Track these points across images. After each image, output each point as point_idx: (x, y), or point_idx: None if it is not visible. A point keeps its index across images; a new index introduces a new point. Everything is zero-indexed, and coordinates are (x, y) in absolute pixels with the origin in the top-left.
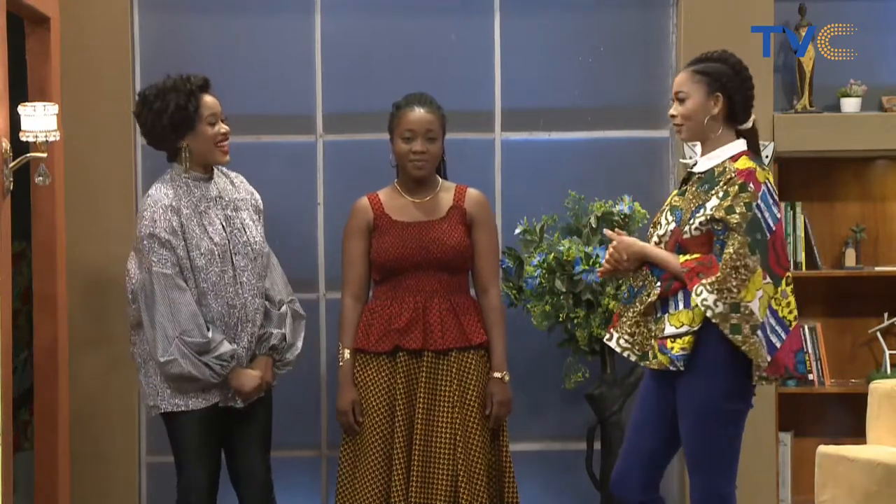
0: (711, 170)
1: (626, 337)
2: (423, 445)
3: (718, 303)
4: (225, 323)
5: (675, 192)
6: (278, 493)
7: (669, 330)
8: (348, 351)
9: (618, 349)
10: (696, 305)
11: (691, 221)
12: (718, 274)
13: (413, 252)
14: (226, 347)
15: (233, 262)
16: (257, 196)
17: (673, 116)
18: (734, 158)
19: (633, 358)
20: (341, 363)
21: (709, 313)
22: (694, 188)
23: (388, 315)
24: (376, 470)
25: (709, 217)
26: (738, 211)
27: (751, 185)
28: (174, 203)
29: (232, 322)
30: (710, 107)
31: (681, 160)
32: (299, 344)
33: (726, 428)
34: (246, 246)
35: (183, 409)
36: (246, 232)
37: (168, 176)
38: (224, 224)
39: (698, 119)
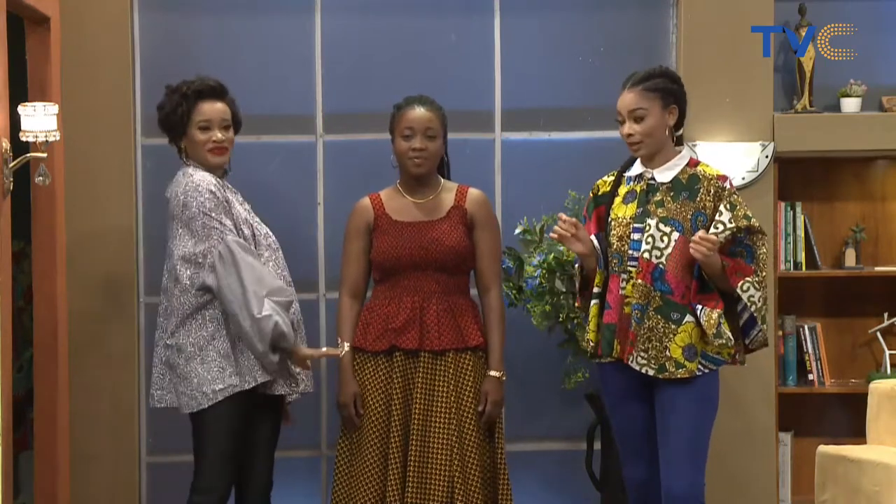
0: (677, 178)
1: (642, 353)
2: (419, 446)
3: (761, 298)
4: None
5: (632, 204)
6: (278, 494)
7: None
8: (347, 344)
9: (637, 367)
10: (740, 298)
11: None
12: (761, 273)
13: (412, 252)
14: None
15: (260, 249)
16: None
17: (630, 135)
18: (692, 164)
19: (650, 372)
20: (341, 355)
21: (753, 308)
22: (669, 197)
23: (385, 314)
24: (372, 469)
25: (734, 229)
26: (750, 214)
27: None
28: (216, 186)
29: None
30: (667, 120)
31: (627, 174)
32: None
33: (713, 418)
34: (267, 237)
35: (237, 388)
36: (264, 225)
37: (190, 168)
38: (247, 216)
39: (658, 135)
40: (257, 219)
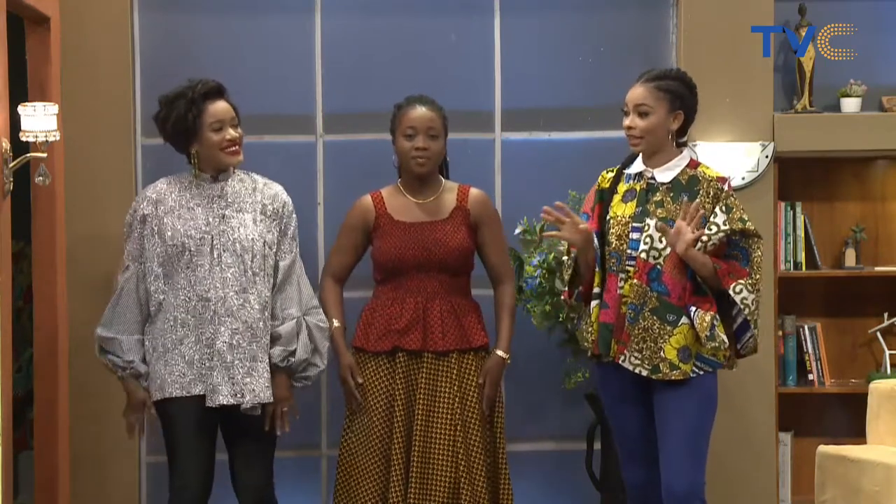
0: (677, 179)
1: (636, 354)
2: (422, 447)
3: (754, 301)
4: (196, 315)
5: (632, 203)
6: (278, 494)
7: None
8: (336, 321)
9: (630, 367)
10: (734, 301)
11: (705, 238)
12: (755, 276)
13: (415, 253)
14: (119, 354)
15: (217, 257)
16: (280, 203)
17: (630, 128)
18: (692, 165)
19: (644, 373)
20: (330, 332)
21: (746, 311)
22: (668, 197)
23: (388, 315)
24: (374, 470)
25: (728, 231)
26: (745, 217)
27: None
28: (156, 196)
29: (207, 315)
30: (671, 123)
31: (627, 171)
32: (317, 360)
33: (713, 419)
34: (235, 243)
35: (166, 395)
36: (238, 230)
37: (180, 174)
38: (211, 220)
39: (659, 135)
40: (240, 223)
